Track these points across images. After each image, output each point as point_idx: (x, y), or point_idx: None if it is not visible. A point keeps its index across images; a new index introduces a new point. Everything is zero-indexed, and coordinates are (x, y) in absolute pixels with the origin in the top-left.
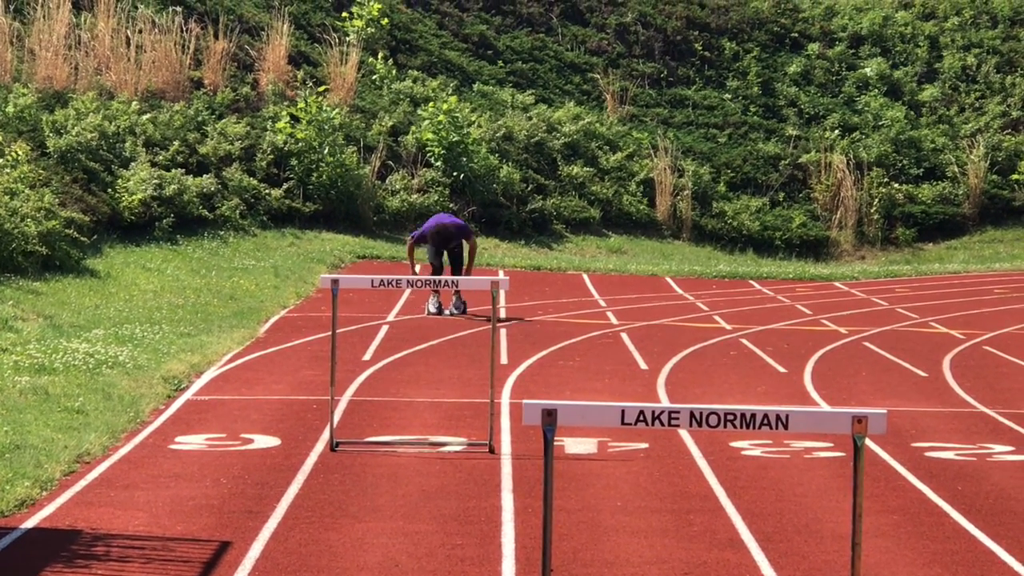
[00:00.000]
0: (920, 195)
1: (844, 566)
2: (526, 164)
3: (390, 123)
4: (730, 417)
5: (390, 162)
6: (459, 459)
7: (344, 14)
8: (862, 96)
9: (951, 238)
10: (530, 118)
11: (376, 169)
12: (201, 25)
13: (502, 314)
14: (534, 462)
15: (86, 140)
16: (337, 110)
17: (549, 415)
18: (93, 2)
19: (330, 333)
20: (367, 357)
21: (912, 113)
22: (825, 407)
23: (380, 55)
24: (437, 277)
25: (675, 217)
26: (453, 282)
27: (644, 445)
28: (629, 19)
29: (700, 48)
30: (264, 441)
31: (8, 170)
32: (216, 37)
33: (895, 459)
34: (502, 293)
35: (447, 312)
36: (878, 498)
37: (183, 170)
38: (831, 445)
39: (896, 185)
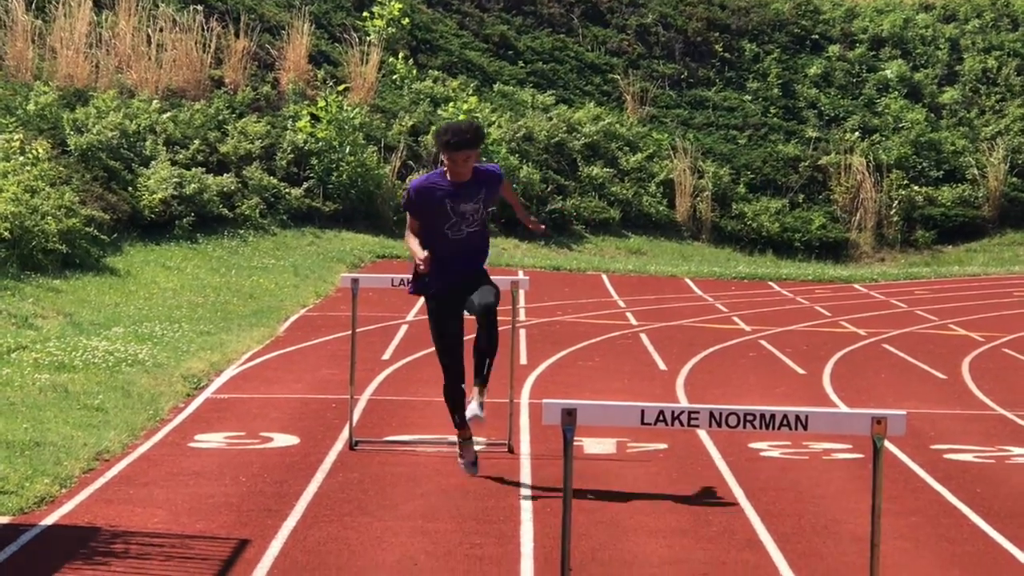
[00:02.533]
0: (940, 197)
1: (863, 567)
2: (546, 165)
3: (410, 123)
4: (749, 418)
5: (410, 162)
6: (478, 458)
7: (365, 14)
8: (882, 98)
9: (971, 240)
10: (550, 118)
11: (396, 169)
12: (222, 24)
13: (521, 315)
14: (553, 462)
15: (107, 138)
16: (357, 110)
17: (569, 415)
18: (114, 0)
19: (350, 332)
20: (386, 356)
21: (932, 115)
22: (844, 408)
23: (400, 55)
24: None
25: (695, 218)
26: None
27: (663, 446)
28: (650, 20)
29: (720, 49)
30: (283, 440)
31: (29, 168)
32: (237, 36)
33: (914, 461)
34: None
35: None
36: (896, 500)
37: (203, 169)
38: (850, 447)
39: (916, 187)
